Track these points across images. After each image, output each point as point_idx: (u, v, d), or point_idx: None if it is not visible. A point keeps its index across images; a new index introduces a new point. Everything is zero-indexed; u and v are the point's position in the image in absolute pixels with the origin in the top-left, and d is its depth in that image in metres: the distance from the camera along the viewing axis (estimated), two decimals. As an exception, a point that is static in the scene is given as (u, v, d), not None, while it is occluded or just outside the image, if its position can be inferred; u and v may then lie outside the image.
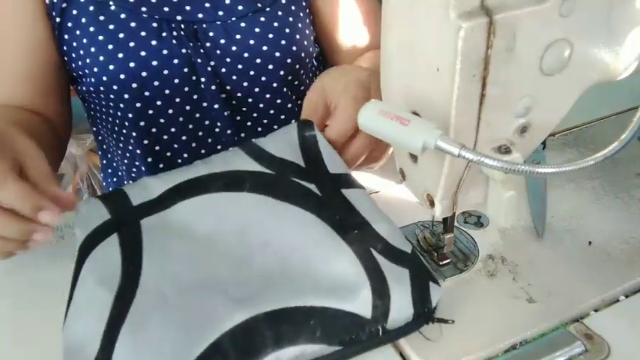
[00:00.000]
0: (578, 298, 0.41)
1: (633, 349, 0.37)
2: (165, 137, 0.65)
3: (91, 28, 0.58)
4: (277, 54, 0.64)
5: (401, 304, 0.37)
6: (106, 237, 0.42)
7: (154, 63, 0.59)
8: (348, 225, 0.42)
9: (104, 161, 0.75)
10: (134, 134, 0.64)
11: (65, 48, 0.61)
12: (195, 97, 0.64)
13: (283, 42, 0.64)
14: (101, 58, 0.59)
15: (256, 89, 0.65)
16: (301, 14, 0.67)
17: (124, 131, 0.65)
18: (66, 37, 0.60)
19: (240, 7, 0.62)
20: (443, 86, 0.32)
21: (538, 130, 0.36)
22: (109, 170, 0.75)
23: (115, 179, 0.74)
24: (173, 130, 0.65)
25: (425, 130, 0.32)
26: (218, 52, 0.62)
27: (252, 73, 0.64)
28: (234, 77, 0.64)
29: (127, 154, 0.68)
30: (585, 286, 0.42)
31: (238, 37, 0.62)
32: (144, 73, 0.59)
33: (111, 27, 0.59)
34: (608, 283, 0.42)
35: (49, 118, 0.63)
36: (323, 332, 0.36)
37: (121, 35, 0.58)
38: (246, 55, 0.63)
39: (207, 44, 0.62)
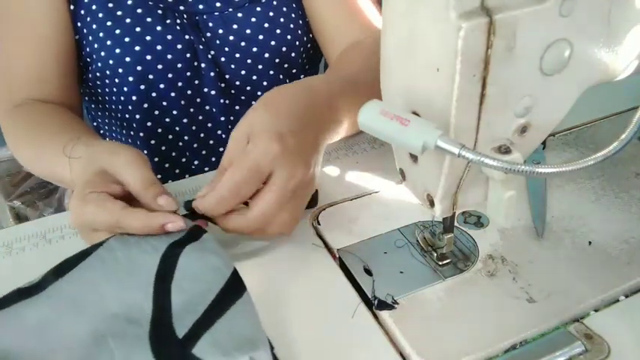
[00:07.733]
0: (578, 298, 0.41)
1: (633, 349, 0.37)
2: (167, 120, 0.68)
3: (100, 14, 0.61)
4: (273, 42, 0.66)
5: None
6: None
7: (159, 47, 0.62)
8: None
9: None
10: (137, 117, 0.66)
11: (77, 35, 0.64)
12: (196, 82, 0.66)
13: (278, 31, 0.66)
14: (109, 42, 0.61)
15: (254, 77, 0.68)
16: (294, 5, 0.69)
17: (127, 115, 0.67)
18: (79, 24, 0.63)
19: None
20: (443, 86, 0.32)
21: (538, 130, 0.36)
22: None
23: None
24: (175, 112, 0.67)
25: (425, 130, 0.32)
26: (217, 41, 0.65)
27: (249, 61, 0.67)
28: (233, 66, 0.66)
29: (130, 141, 0.70)
30: (585, 286, 0.42)
31: (235, 26, 0.65)
32: (148, 57, 0.62)
33: (119, 13, 0.61)
34: (608, 283, 0.42)
35: (69, 104, 0.65)
36: None
37: (128, 20, 0.61)
38: (243, 44, 0.65)
39: (208, 34, 0.65)
